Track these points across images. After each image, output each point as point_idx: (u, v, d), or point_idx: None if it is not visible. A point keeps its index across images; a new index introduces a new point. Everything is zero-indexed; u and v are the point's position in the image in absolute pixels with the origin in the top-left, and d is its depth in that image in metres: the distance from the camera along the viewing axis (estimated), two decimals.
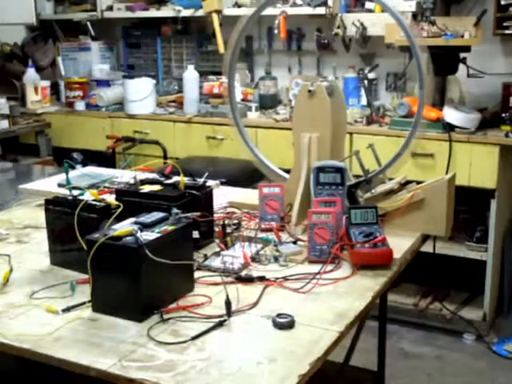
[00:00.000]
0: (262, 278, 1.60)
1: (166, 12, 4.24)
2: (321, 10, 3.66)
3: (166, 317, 1.41)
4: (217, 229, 1.84)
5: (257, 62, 4.28)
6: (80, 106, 4.26)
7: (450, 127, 3.17)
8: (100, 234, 1.44)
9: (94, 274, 1.43)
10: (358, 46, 3.78)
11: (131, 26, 4.61)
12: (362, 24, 3.61)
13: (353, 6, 3.74)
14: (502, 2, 3.24)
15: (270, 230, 1.88)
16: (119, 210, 1.58)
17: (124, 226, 1.46)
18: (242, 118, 2.30)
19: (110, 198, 1.71)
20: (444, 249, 3.38)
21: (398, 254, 1.71)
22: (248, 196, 2.14)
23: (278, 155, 2.62)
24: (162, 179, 1.88)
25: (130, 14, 4.36)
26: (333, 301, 1.51)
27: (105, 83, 4.38)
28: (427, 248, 3.00)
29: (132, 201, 1.73)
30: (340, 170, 1.90)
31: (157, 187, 1.81)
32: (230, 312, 1.41)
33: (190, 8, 4.11)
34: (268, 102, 3.94)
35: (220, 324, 1.38)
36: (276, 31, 3.83)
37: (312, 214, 1.73)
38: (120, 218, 1.54)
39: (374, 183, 1.96)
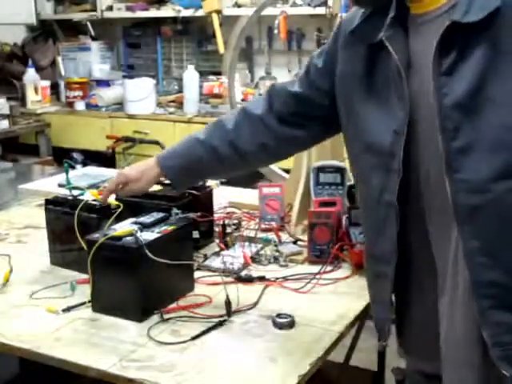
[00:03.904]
0: (262, 278, 1.60)
1: (166, 12, 4.24)
2: (321, 10, 3.66)
3: (166, 317, 1.41)
4: (217, 229, 1.84)
5: (257, 62, 4.27)
6: (80, 105, 4.26)
7: None
8: (100, 234, 1.44)
9: (94, 273, 1.43)
10: None
11: (131, 26, 4.61)
12: None
13: None
14: None
15: (270, 230, 1.88)
16: (119, 210, 1.58)
17: (124, 226, 1.46)
18: None
19: (110, 198, 1.70)
20: None
21: None
22: (248, 196, 2.14)
23: None
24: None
25: (130, 14, 4.36)
26: (333, 301, 1.51)
27: (105, 83, 4.38)
28: None
29: (132, 201, 1.73)
30: (340, 170, 1.90)
31: (157, 187, 1.81)
32: (230, 312, 1.41)
33: (189, 8, 4.10)
34: None
35: (220, 324, 1.38)
36: (276, 31, 3.82)
37: (312, 214, 1.73)
38: (120, 218, 1.54)
39: None
